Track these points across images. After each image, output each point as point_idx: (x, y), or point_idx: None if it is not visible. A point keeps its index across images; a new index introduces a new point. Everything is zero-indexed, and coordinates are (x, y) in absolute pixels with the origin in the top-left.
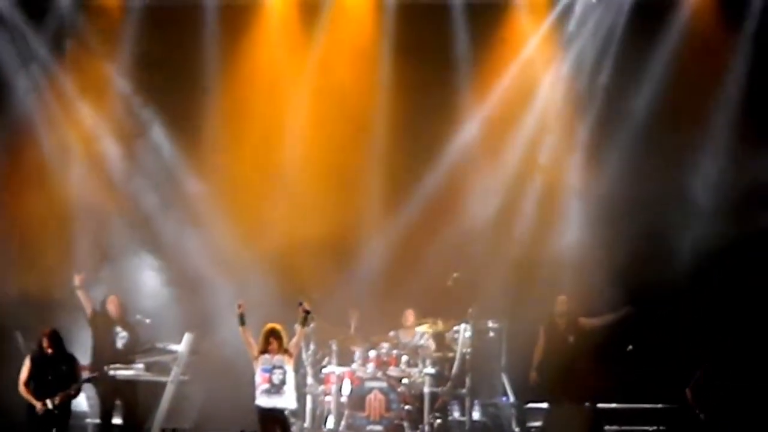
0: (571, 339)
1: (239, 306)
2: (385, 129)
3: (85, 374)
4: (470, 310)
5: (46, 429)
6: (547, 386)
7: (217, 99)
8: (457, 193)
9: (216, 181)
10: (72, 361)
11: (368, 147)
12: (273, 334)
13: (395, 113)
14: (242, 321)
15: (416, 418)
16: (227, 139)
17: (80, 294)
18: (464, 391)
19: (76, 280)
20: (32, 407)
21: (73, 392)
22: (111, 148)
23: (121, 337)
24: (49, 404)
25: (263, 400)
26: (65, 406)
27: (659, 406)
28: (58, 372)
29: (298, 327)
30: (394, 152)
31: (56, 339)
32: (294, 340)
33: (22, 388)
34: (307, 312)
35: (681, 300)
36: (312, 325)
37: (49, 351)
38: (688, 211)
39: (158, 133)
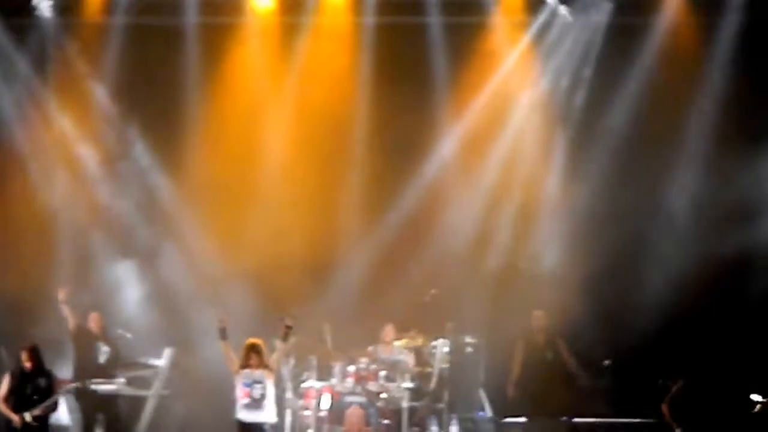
0: (549, 355)
1: (220, 320)
2: (363, 146)
3: (65, 387)
4: (448, 326)
5: None
6: (525, 401)
7: (198, 116)
8: (435, 210)
9: (196, 198)
10: (50, 375)
11: (347, 164)
12: (253, 349)
13: (374, 131)
14: (223, 335)
15: None
16: (208, 156)
17: (64, 308)
18: (442, 405)
19: (60, 294)
20: (10, 422)
21: (51, 405)
22: (93, 165)
23: (103, 352)
24: (27, 417)
25: (244, 414)
26: (43, 420)
27: (636, 420)
28: (36, 386)
29: (278, 342)
30: (372, 169)
31: (35, 354)
32: (275, 355)
33: (1, 404)
34: (289, 327)
35: (658, 314)
36: (292, 339)
37: (28, 365)
38: (666, 225)
39: (140, 150)
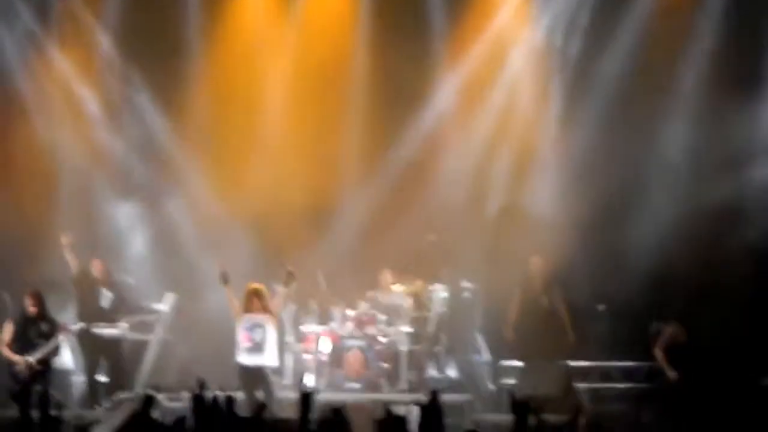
0: (545, 301)
1: (222, 265)
2: (362, 94)
3: (70, 328)
4: (446, 271)
5: (28, 385)
6: (521, 345)
7: (200, 65)
8: (433, 157)
9: (198, 145)
10: (53, 321)
11: (345, 112)
12: (255, 293)
13: (372, 79)
14: (225, 280)
15: (394, 376)
16: (209, 105)
17: (67, 254)
18: (440, 349)
19: (63, 239)
20: (13, 367)
21: (54, 348)
22: (96, 111)
23: (106, 297)
24: (31, 360)
25: (245, 358)
26: (46, 363)
27: (630, 364)
28: (39, 331)
29: (280, 287)
30: (371, 117)
31: (39, 299)
32: (276, 300)
33: (3, 349)
34: (291, 273)
35: (652, 258)
36: (293, 285)
37: (32, 310)
38: (660, 172)
39: (142, 97)
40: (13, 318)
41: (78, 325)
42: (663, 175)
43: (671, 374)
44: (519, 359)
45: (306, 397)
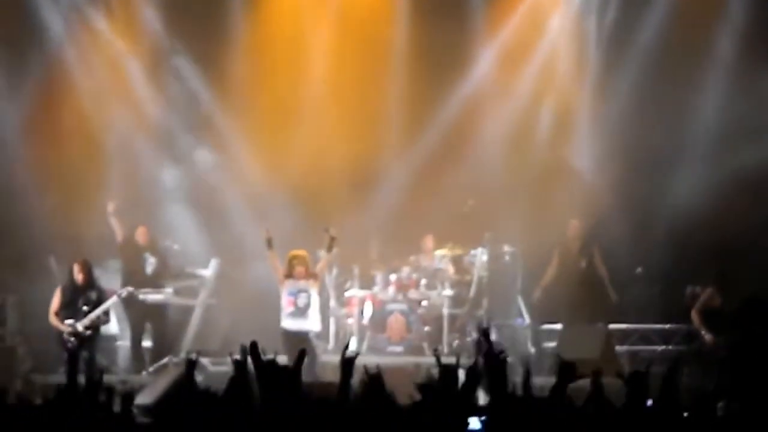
0: (583, 264)
1: (267, 231)
2: (403, 61)
3: (119, 292)
4: (487, 235)
5: (75, 352)
6: (561, 308)
7: (243, 32)
8: (473, 123)
9: (241, 113)
10: (101, 289)
11: (387, 79)
12: (298, 259)
13: (412, 48)
14: (269, 245)
15: (435, 339)
16: (252, 73)
17: (113, 220)
18: (481, 312)
19: (110, 206)
20: (62, 334)
21: (102, 315)
22: (141, 81)
23: (150, 263)
24: (79, 327)
25: (288, 323)
26: (94, 328)
27: (668, 326)
28: (88, 299)
29: (323, 252)
30: (411, 84)
31: (87, 267)
32: (319, 264)
33: (52, 317)
34: (333, 238)
35: (689, 221)
36: (335, 250)
37: (80, 279)
38: (696, 137)
39: (186, 68)
40: (62, 286)
41: (126, 290)
42: (699, 140)
43: (707, 337)
44: (559, 323)
45: (347, 363)
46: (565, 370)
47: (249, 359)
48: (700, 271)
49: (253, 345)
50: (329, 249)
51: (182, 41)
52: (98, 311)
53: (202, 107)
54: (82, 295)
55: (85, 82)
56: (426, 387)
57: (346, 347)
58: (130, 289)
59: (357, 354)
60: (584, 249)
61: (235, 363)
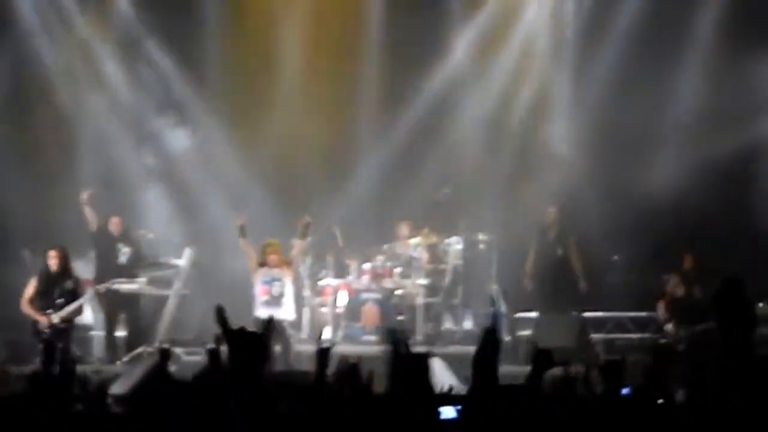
0: (560, 251)
1: (239, 218)
2: (378, 47)
3: (90, 290)
4: (461, 223)
5: (50, 343)
6: (536, 296)
7: (217, 19)
8: (448, 110)
9: (215, 99)
10: (77, 279)
11: (362, 65)
12: (272, 247)
13: (388, 33)
14: (242, 233)
15: (410, 328)
16: (225, 59)
17: (86, 210)
18: (456, 301)
19: (83, 195)
20: (36, 323)
21: (78, 308)
22: (113, 69)
23: (124, 253)
24: (55, 319)
25: (263, 312)
26: (69, 321)
27: (644, 314)
28: (63, 289)
29: (297, 240)
30: (387, 70)
31: (63, 255)
32: (294, 251)
33: (24, 306)
34: (308, 224)
35: (666, 209)
36: (309, 238)
37: (56, 268)
38: (676, 121)
39: (158, 54)
40: (39, 275)
41: (104, 286)
42: (679, 125)
43: (667, 327)
44: (534, 311)
45: (323, 353)
46: (541, 357)
47: (221, 345)
48: (678, 259)
49: (220, 309)
50: (303, 236)
51: (154, 26)
52: (75, 305)
53: (175, 94)
54: (58, 285)
55: (57, 68)
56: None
57: (320, 338)
58: (108, 285)
59: (333, 344)
60: (561, 236)
61: (210, 352)
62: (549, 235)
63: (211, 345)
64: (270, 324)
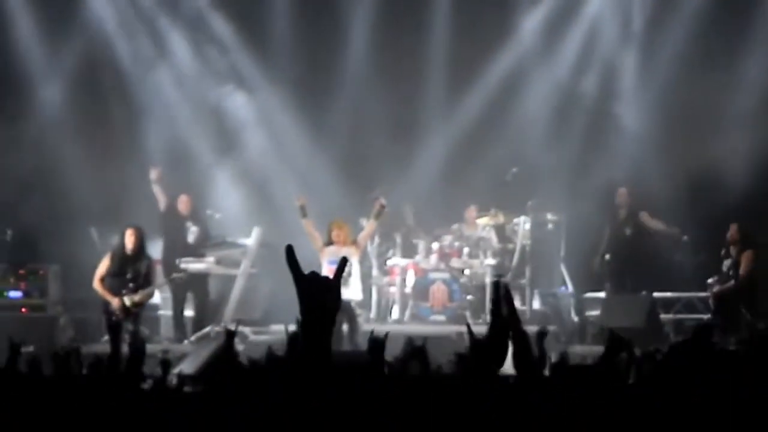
0: (628, 231)
1: (299, 198)
2: (443, 32)
3: (164, 278)
4: (529, 203)
5: (120, 325)
6: (605, 276)
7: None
8: (516, 90)
9: (281, 81)
10: (150, 260)
11: (427, 47)
12: (339, 226)
13: (453, 19)
14: (303, 213)
15: (478, 308)
16: (294, 42)
17: (156, 188)
18: (524, 281)
19: (153, 173)
20: (107, 303)
21: (151, 292)
22: (177, 40)
23: (192, 232)
24: (128, 302)
25: None
26: (141, 305)
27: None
28: (136, 270)
29: (369, 219)
30: (455, 50)
31: (140, 235)
32: (365, 231)
33: (96, 284)
34: (383, 206)
35: (736, 189)
36: (382, 218)
37: (131, 246)
38: (743, 102)
39: (225, 31)
40: (112, 253)
41: (178, 276)
42: (749, 103)
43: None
44: (602, 291)
45: (376, 347)
46: (615, 342)
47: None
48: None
49: (290, 249)
50: (377, 216)
51: (223, 8)
52: (147, 290)
53: (240, 69)
54: (131, 265)
55: (125, 48)
56: (463, 357)
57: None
58: (182, 275)
59: (386, 336)
60: (630, 216)
61: (290, 338)
62: (620, 215)
63: (292, 329)
64: (343, 263)
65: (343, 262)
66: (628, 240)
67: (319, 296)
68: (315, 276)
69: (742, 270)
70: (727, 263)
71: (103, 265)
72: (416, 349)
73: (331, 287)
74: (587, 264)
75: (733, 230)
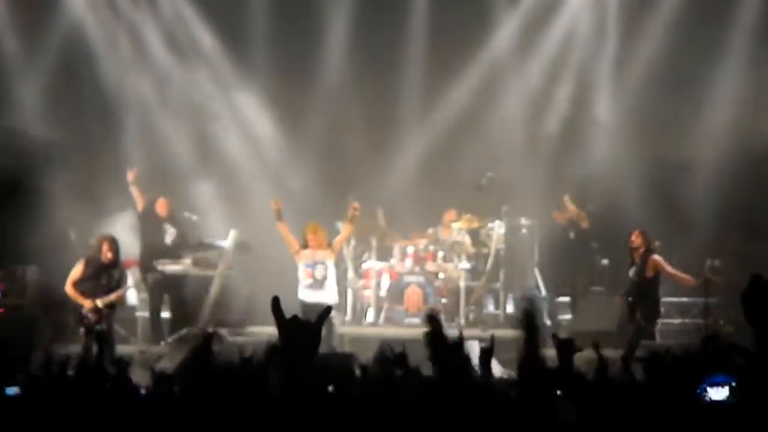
0: (572, 234)
1: (275, 202)
2: (420, 35)
3: (134, 269)
4: (504, 208)
5: (93, 326)
6: (548, 279)
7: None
8: (491, 95)
9: (260, 85)
10: (123, 268)
11: (404, 51)
12: (314, 230)
13: (430, 21)
14: (279, 217)
15: (452, 311)
16: (272, 43)
17: (133, 189)
18: (498, 285)
19: (130, 175)
20: (78, 307)
21: (123, 295)
22: (160, 50)
23: (170, 234)
24: (99, 304)
25: (306, 295)
26: (113, 306)
27: (685, 299)
28: (111, 277)
29: (345, 224)
30: (429, 56)
31: (116, 247)
32: (340, 235)
33: (69, 288)
34: (356, 209)
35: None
36: (356, 221)
37: (108, 256)
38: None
39: (200, 27)
40: (87, 258)
41: (152, 276)
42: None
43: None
44: (574, 295)
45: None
46: (563, 345)
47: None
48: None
49: (276, 300)
50: (351, 220)
51: (200, 4)
52: (119, 291)
53: (218, 72)
54: (106, 273)
55: (104, 50)
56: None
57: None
58: (156, 276)
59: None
60: (572, 220)
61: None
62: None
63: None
64: (327, 312)
65: (327, 311)
66: (571, 243)
67: (300, 342)
68: (296, 321)
69: (647, 273)
70: (632, 271)
71: (77, 270)
72: (397, 356)
73: (312, 333)
74: (560, 268)
75: (634, 236)
